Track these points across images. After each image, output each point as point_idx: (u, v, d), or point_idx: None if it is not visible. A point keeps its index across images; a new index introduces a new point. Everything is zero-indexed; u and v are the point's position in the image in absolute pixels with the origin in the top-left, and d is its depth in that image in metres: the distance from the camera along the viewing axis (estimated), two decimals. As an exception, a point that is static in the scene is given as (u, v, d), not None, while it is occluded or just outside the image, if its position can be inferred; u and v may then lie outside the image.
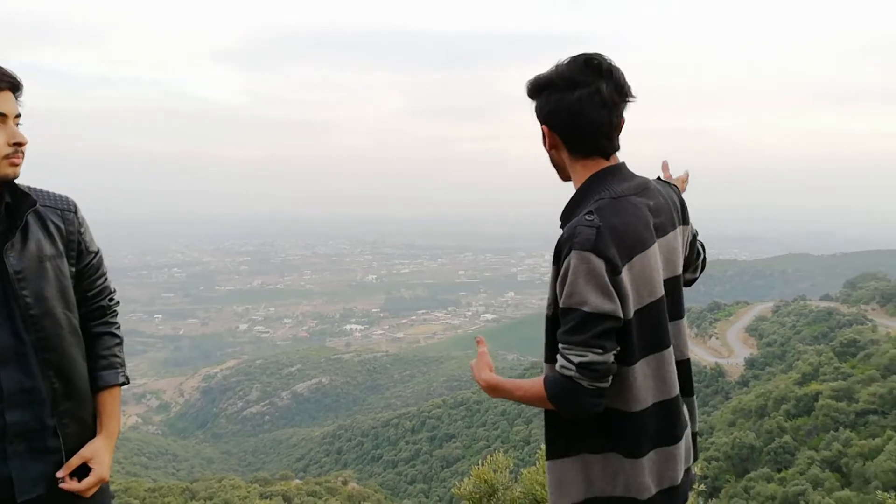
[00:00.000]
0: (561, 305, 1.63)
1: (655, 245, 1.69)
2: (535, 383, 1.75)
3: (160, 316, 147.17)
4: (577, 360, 1.57)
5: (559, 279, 1.63)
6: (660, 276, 1.70)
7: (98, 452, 1.82)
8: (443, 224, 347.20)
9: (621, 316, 1.58)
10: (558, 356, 1.64)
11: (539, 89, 1.72)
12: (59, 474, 1.75)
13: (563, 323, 1.63)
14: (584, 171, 1.74)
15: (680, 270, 1.82)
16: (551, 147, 1.78)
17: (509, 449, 46.91)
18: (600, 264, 1.56)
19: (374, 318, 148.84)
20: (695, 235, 1.99)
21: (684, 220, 1.87)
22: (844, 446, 25.73)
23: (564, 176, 1.83)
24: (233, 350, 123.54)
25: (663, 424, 1.73)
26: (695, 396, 1.91)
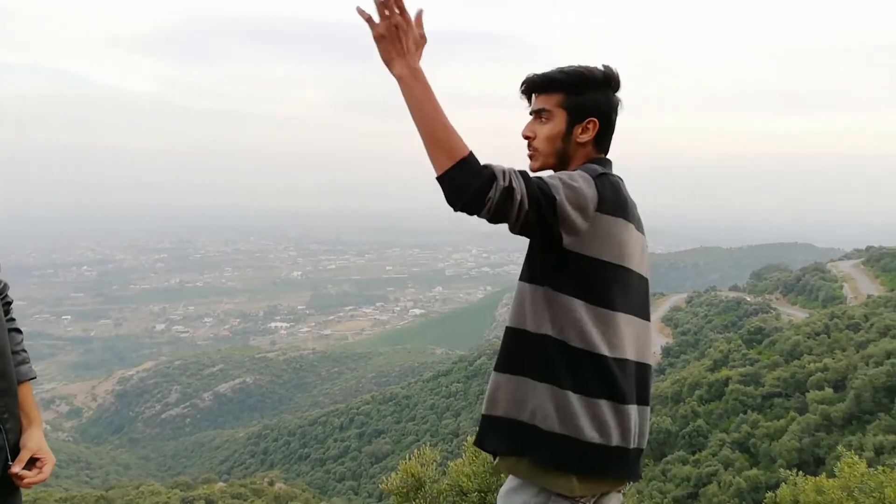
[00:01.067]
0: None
1: (638, 232, 1.80)
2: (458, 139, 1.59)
3: (69, 317, 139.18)
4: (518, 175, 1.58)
5: None
6: (639, 260, 1.80)
7: (42, 443, 1.87)
8: (369, 219, 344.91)
9: (586, 221, 1.63)
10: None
11: (588, 83, 1.83)
12: (14, 469, 1.76)
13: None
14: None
15: (647, 274, 1.89)
16: (581, 135, 1.84)
17: (438, 442, 47.23)
18: (593, 191, 1.66)
19: (300, 315, 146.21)
20: None
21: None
22: (752, 428, 27.34)
23: (558, 165, 1.88)
24: (149, 351, 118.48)
25: (641, 386, 1.78)
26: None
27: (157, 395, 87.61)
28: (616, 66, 1.87)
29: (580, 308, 1.65)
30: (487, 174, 1.55)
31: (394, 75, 1.60)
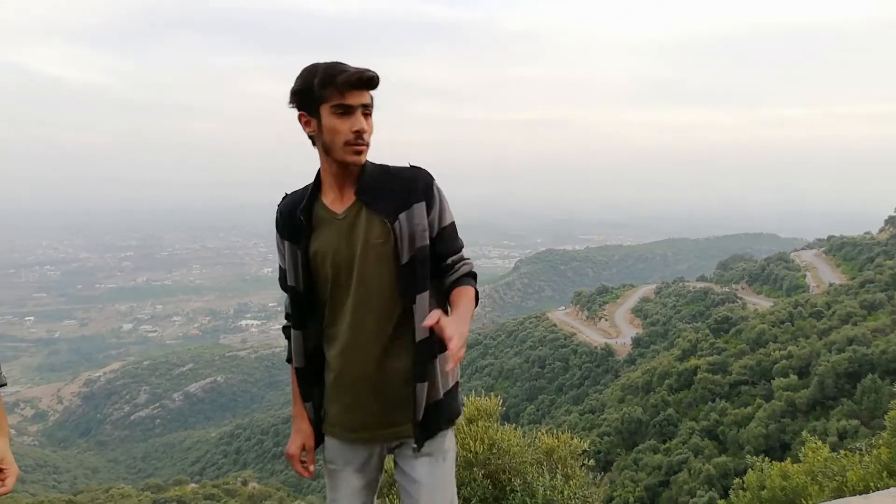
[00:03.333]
0: (448, 222, 1.92)
1: None
2: (470, 295, 1.94)
3: (32, 318, 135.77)
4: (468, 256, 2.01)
5: (436, 206, 1.89)
6: None
7: (7, 453, 1.81)
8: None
9: None
10: (461, 260, 1.96)
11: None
12: None
13: (451, 236, 1.93)
14: None
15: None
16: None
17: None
18: None
19: (272, 312, 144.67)
20: None
21: None
22: (720, 416, 27.95)
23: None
24: (117, 352, 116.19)
25: None
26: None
27: (125, 397, 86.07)
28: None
29: None
30: None
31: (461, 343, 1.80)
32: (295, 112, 1.85)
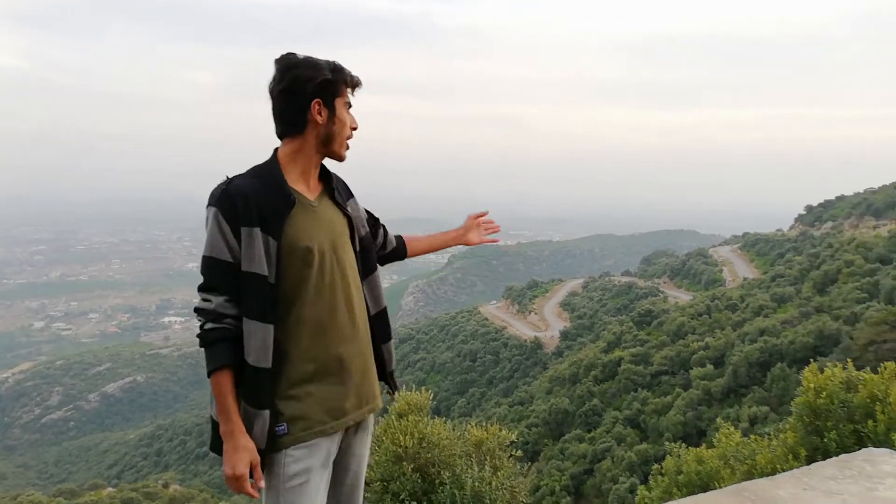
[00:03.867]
0: (368, 212, 2.22)
1: None
2: None
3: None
4: None
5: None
6: None
7: None
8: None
9: None
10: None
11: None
12: None
13: (375, 220, 2.26)
14: None
15: None
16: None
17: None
18: None
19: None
20: None
21: None
22: (642, 405, 29.03)
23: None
24: (27, 351, 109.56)
25: None
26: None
27: (35, 399, 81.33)
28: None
29: None
30: None
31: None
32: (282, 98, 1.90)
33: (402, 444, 3.90)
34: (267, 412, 1.81)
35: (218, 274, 1.82)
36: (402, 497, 3.76)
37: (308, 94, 1.88)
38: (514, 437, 4.32)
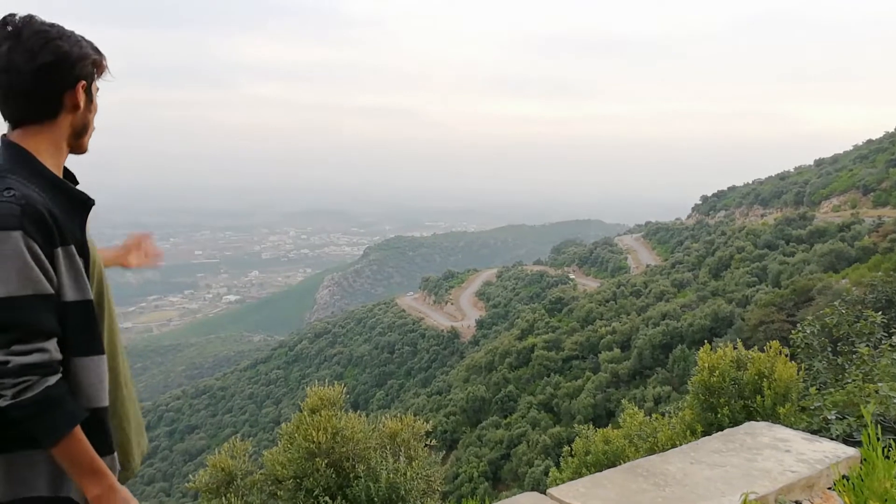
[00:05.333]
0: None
1: None
2: None
3: None
4: None
5: None
6: None
7: None
8: (170, 199, 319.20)
9: None
10: None
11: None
12: None
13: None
14: None
15: None
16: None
17: (259, 432, 45.67)
18: None
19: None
20: None
21: None
22: (555, 389, 29.98)
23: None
24: None
25: None
26: None
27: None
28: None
29: None
30: None
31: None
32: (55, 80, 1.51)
33: (315, 439, 3.85)
34: (115, 454, 1.59)
35: (44, 312, 1.42)
36: (315, 493, 3.71)
37: (73, 76, 1.53)
38: (428, 427, 4.36)
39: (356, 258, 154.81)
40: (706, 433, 4.29)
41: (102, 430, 1.55)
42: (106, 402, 1.56)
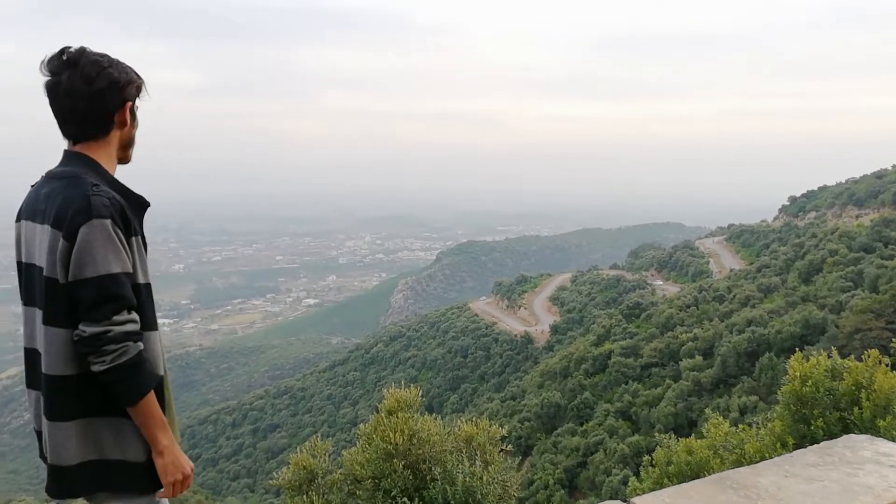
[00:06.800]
0: None
1: (18, 223, 1.91)
2: None
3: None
4: None
5: None
6: (23, 250, 1.90)
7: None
8: (254, 207, 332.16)
9: None
10: None
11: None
12: None
13: None
14: None
15: (36, 261, 1.82)
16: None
17: (336, 432, 46.81)
18: None
19: (184, 310, 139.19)
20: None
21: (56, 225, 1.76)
22: (633, 397, 29.19)
23: None
24: (14, 357, 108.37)
25: (29, 369, 1.93)
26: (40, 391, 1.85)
27: (24, 404, 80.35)
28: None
29: None
30: None
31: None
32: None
33: (392, 440, 3.90)
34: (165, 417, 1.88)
35: (130, 289, 1.75)
36: (393, 494, 3.76)
37: (122, 98, 1.85)
38: (504, 432, 4.33)
39: (429, 263, 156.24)
40: (798, 446, 4.07)
41: (161, 396, 1.85)
42: (163, 372, 1.88)
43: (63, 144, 1.90)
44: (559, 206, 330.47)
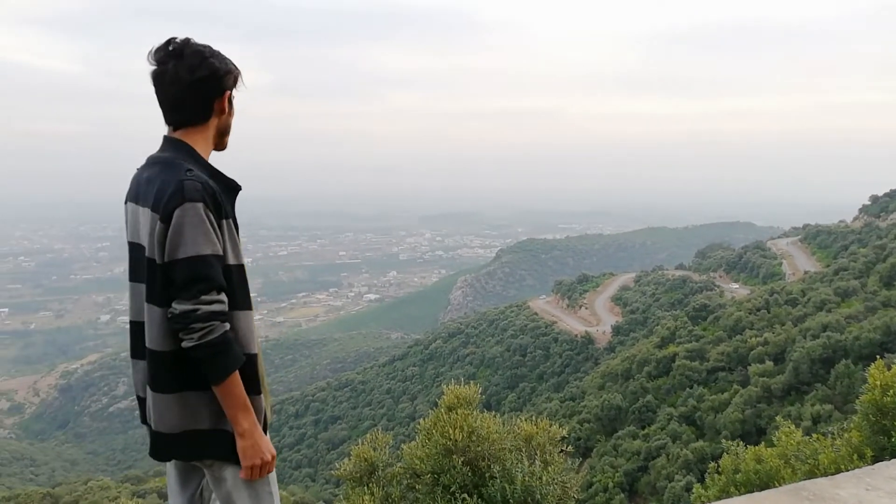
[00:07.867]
0: None
1: (127, 205, 2.01)
2: None
3: (6, 309, 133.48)
4: None
5: None
6: (131, 229, 1.97)
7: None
8: (320, 204, 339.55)
9: None
10: None
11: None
12: None
13: None
14: None
15: (140, 241, 1.92)
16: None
17: (395, 426, 47.39)
18: None
19: (252, 303, 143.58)
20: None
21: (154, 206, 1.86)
22: (698, 402, 28.33)
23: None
24: (94, 343, 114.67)
25: (135, 341, 2.01)
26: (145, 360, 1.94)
27: (103, 389, 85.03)
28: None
29: None
30: None
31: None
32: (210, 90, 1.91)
33: (451, 437, 3.92)
34: (262, 396, 1.93)
35: (219, 271, 1.82)
36: (452, 490, 3.78)
37: (221, 87, 1.93)
38: (564, 433, 4.29)
39: (489, 260, 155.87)
40: (877, 458, 3.86)
41: (254, 373, 1.90)
42: (255, 350, 1.94)
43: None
44: (623, 204, 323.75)
